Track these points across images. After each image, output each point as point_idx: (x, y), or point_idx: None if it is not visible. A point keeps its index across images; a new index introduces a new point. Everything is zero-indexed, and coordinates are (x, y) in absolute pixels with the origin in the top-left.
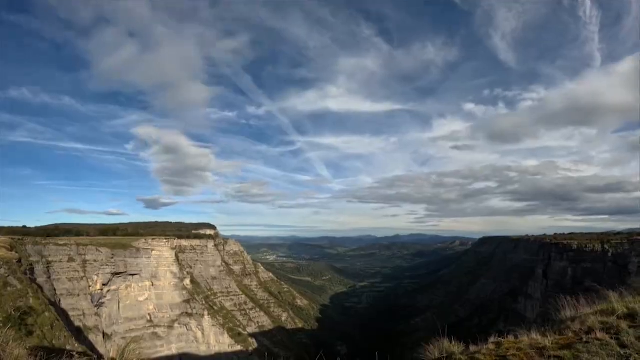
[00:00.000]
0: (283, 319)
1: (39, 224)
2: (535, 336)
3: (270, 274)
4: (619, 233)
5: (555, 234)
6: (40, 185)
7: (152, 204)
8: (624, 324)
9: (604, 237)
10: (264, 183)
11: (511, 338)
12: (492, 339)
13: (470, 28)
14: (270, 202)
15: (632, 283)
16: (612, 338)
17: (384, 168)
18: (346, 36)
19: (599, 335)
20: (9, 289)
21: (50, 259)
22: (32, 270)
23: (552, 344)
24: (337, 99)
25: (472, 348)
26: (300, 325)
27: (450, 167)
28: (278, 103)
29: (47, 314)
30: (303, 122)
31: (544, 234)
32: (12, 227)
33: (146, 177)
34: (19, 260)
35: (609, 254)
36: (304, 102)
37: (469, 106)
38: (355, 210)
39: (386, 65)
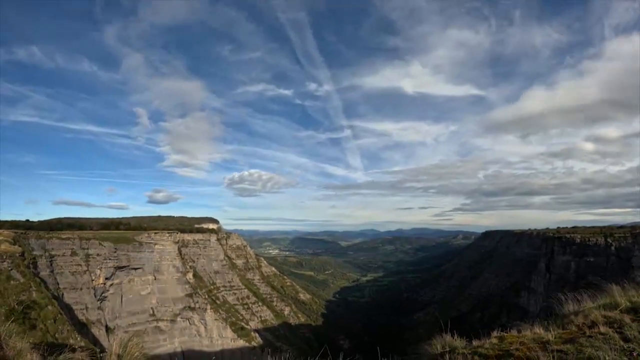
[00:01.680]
0: (286, 313)
1: (41, 218)
2: (538, 330)
3: (273, 268)
4: (622, 226)
5: (559, 227)
6: (44, 174)
7: (156, 198)
8: (627, 318)
9: (607, 231)
10: (288, 173)
11: (514, 332)
12: (494, 334)
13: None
14: (287, 192)
15: (636, 277)
16: (615, 332)
17: (427, 158)
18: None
19: (602, 329)
20: (12, 282)
21: (53, 253)
22: (35, 264)
23: (555, 338)
24: (417, 78)
25: (475, 342)
26: (302, 320)
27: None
28: (345, 79)
29: (50, 307)
30: (360, 105)
31: (547, 228)
32: (15, 221)
33: (154, 167)
34: (22, 254)
35: (612, 248)
36: (378, 78)
37: None
38: (376, 203)
39: (489, 44)
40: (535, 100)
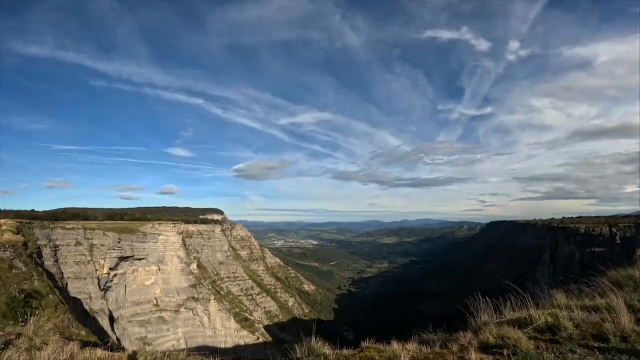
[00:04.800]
0: (290, 304)
1: (47, 208)
2: (411, 346)
3: (278, 260)
4: (627, 216)
5: (564, 217)
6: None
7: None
8: (527, 342)
9: (612, 221)
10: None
11: (383, 346)
12: (364, 344)
13: None
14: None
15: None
16: None
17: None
18: None
19: (474, 357)
20: (14, 271)
21: (57, 243)
22: (39, 254)
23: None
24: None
25: (345, 352)
26: (307, 311)
27: None
28: None
29: (51, 296)
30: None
31: (552, 218)
32: (20, 211)
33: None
34: (25, 244)
35: (617, 238)
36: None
37: None
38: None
39: None
40: None
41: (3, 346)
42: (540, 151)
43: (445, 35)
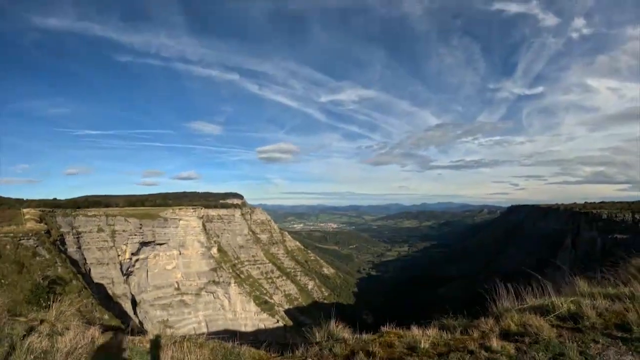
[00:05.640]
0: (309, 287)
1: (68, 196)
2: (431, 332)
3: (297, 243)
4: None
5: (586, 202)
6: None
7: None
8: (549, 330)
9: (635, 207)
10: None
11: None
12: (384, 328)
13: None
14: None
15: None
16: (514, 349)
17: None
18: None
19: (495, 344)
20: (37, 258)
21: (80, 230)
22: (62, 241)
23: (429, 347)
24: None
25: (365, 336)
26: (326, 294)
27: None
28: None
29: (74, 282)
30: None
31: (574, 202)
32: (42, 200)
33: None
34: (48, 232)
35: None
36: None
37: None
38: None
39: None
40: None
41: (25, 333)
42: (585, 133)
43: (513, 8)
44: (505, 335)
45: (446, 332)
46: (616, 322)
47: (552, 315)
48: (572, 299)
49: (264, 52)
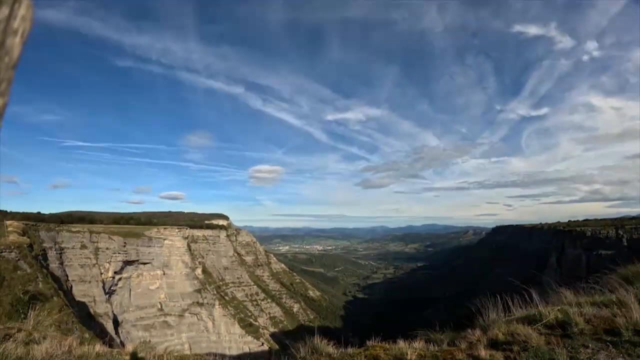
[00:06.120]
0: (295, 310)
1: (53, 210)
2: (418, 344)
3: (282, 265)
4: (633, 218)
5: (570, 220)
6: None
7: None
8: (537, 338)
9: (619, 223)
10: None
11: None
12: (370, 342)
13: None
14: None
15: None
16: (505, 359)
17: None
18: None
19: (483, 354)
20: (18, 272)
21: (63, 246)
22: (44, 256)
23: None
24: None
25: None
26: (312, 317)
27: None
28: None
29: (55, 298)
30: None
31: (558, 221)
32: (26, 213)
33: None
34: (30, 245)
35: (624, 240)
36: None
37: None
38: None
39: None
40: None
41: (1, 339)
42: (583, 152)
43: (532, 30)
44: (494, 344)
45: (433, 345)
46: (605, 327)
47: (540, 324)
48: (559, 307)
49: (272, 64)
